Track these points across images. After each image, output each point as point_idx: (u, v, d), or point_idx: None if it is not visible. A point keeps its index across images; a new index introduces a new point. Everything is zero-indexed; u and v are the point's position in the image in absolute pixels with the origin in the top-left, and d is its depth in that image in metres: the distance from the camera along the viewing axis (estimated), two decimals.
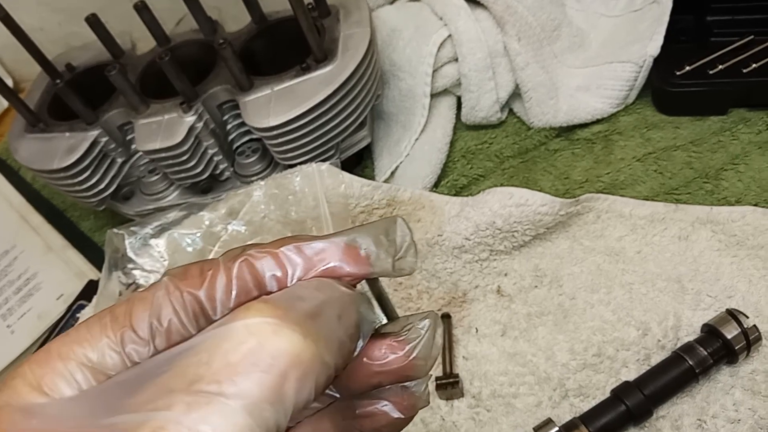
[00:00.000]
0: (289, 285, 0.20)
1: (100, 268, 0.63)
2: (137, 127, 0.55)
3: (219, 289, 0.20)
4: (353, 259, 0.21)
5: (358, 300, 0.20)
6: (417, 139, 0.60)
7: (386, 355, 0.21)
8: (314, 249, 0.21)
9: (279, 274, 0.20)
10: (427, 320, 0.22)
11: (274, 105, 0.51)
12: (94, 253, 0.66)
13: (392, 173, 0.60)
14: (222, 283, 0.20)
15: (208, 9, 0.59)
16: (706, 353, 0.40)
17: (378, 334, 0.22)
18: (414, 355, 0.21)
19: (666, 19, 0.56)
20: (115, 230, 0.51)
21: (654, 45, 0.55)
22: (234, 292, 0.20)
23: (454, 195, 0.57)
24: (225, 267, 0.20)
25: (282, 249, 0.21)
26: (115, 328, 0.19)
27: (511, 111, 0.62)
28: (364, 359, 0.21)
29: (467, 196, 0.57)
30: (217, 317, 0.20)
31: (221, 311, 0.20)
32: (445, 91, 0.62)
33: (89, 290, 0.60)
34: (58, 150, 0.56)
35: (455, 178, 0.59)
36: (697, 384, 0.41)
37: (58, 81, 0.53)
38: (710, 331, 0.42)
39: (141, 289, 0.22)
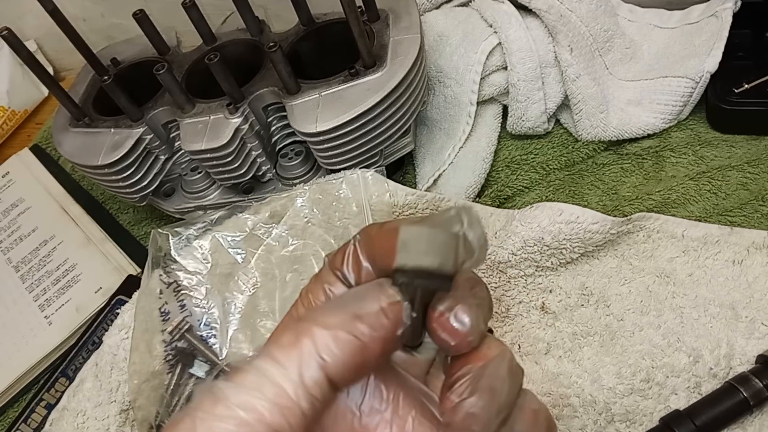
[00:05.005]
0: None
1: (137, 263, 0.64)
2: (183, 127, 0.54)
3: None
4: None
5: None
6: (461, 147, 0.59)
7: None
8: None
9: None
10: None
11: (321, 110, 0.50)
12: (132, 247, 0.66)
13: (435, 181, 0.59)
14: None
15: (254, 8, 0.59)
16: (761, 385, 0.39)
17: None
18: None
19: (725, 34, 0.54)
20: (159, 230, 0.51)
21: (712, 61, 0.53)
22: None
23: (498, 206, 0.56)
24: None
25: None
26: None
27: (557, 122, 0.61)
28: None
29: (511, 207, 0.56)
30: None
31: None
32: (491, 99, 0.61)
33: (128, 286, 0.60)
34: (103, 146, 0.56)
35: (499, 188, 0.58)
36: (750, 416, 0.40)
37: (106, 78, 0.53)
38: (766, 363, 0.40)
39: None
